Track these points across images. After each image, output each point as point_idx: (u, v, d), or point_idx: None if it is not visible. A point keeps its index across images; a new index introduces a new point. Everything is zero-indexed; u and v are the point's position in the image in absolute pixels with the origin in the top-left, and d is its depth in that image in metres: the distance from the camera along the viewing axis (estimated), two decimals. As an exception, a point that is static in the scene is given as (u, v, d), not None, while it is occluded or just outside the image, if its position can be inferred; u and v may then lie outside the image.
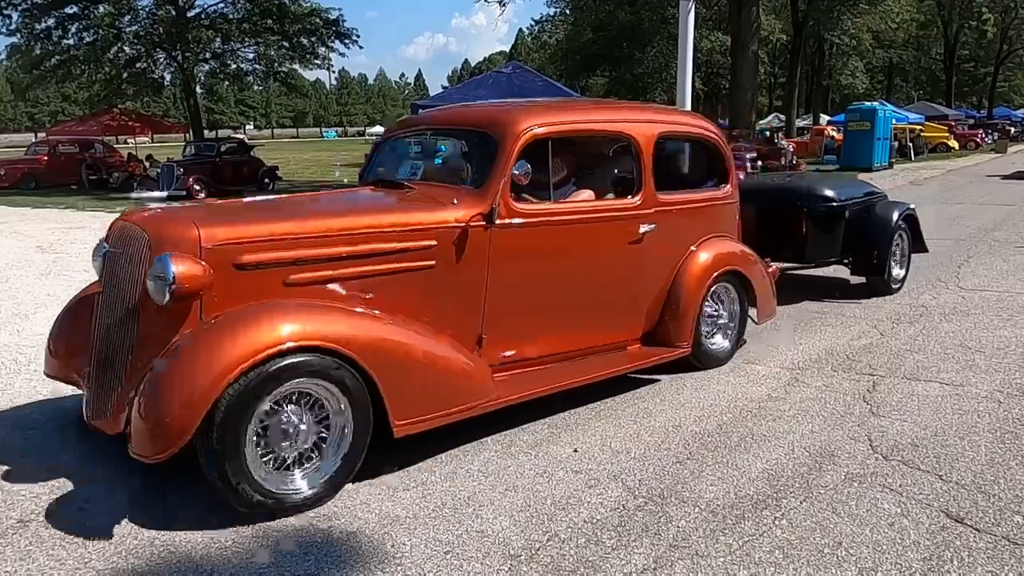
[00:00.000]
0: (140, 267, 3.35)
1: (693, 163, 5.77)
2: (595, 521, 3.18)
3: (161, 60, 28.03)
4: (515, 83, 17.07)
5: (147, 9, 26.77)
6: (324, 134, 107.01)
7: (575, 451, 3.88)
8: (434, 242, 3.80)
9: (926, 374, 5.00)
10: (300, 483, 3.27)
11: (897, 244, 7.37)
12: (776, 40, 39.46)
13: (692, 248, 4.99)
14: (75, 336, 3.96)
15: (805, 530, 3.09)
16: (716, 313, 5.23)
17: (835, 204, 6.96)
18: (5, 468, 3.69)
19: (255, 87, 29.45)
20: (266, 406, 3.14)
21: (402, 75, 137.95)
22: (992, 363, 5.19)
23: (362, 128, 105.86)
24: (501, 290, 4.03)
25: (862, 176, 20.39)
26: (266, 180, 21.87)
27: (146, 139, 36.40)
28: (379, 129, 73.69)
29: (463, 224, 3.87)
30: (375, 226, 3.71)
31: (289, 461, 3.26)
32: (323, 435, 3.34)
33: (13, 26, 25.70)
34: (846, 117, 25.89)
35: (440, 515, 3.24)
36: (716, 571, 2.82)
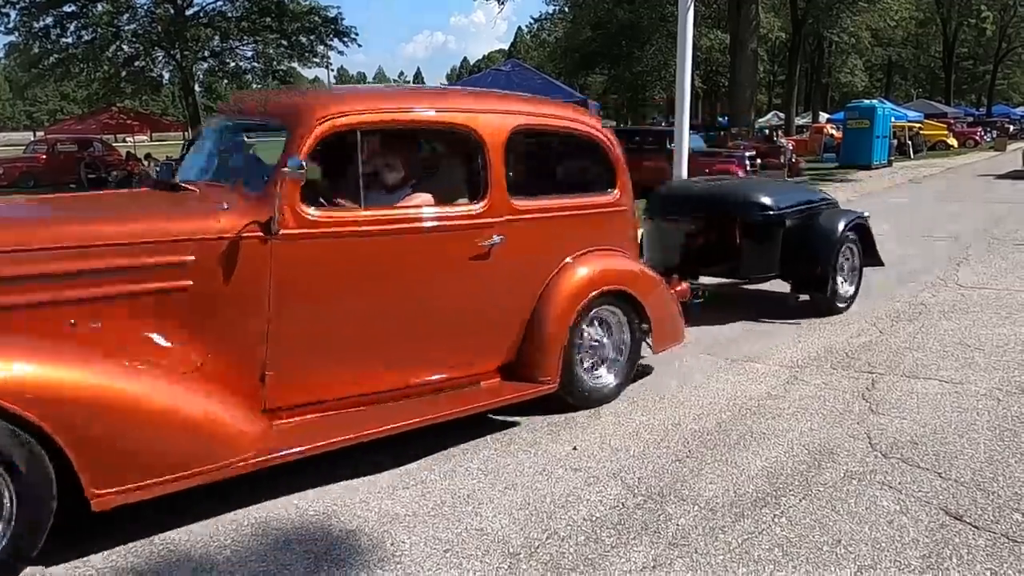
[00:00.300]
0: None
1: (568, 164, 4.98)
2: (594, 519, 3.19)
3: (159, 58, 28.07)
4: (514, 81, 17.12)
5: (145, 7, 26.83)
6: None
7: (574, 449, 3.88)
8: (191, 257, 3.15)
9: (925, 372, 5.00)
10: None
11: (845, 257, 6.55)
12: (775, 38, 39.41)
13: (566, 262, 4.24)
14: None
15: (804, 528, 3.09)
16: (599, 343, 4.45)
17: (772, 213, 6.18)
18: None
19: (254, 85, 29.38)
20: None
21: (401, 73, 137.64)
22: (991, 361, 5.19)
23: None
24: (290, 317, 3.36)
25: (860, 174, 20.45)
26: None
27: (145, 137, 36.40)
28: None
29: (231, 235, 3.20)
30: (104, 238, 3.03)
31: None
32: None
33: (11, 24, 25.75)
34: (845, 115, 25.87)
35: (439, 513, 3.24)
36: (715, 569, 2.83)
